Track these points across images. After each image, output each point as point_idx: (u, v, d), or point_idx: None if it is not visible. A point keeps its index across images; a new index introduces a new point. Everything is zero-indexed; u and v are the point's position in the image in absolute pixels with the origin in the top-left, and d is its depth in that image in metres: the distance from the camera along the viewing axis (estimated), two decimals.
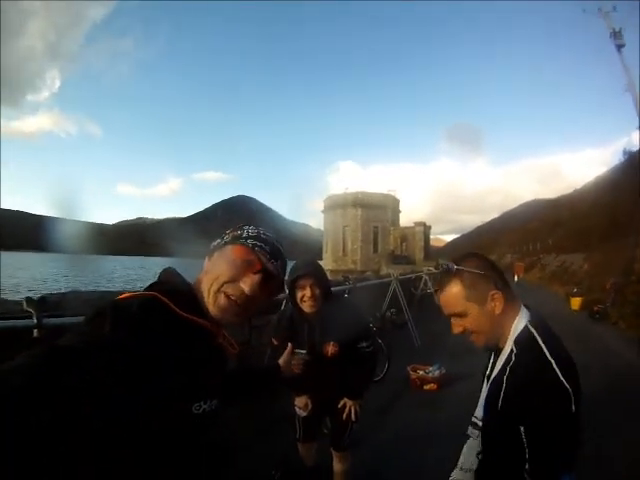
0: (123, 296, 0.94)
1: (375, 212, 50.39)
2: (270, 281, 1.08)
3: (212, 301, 1.02)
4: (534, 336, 1.37)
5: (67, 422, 0.68)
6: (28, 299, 2.41)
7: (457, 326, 1.47)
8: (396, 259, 46.22)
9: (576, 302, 15.17)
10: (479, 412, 1.60)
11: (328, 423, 2.95)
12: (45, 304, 2.42)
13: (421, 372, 6.16)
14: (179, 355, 0.90)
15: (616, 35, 18.67)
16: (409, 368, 6.27)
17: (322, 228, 56.54)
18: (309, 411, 2.59)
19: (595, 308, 12.86)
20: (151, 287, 1.01)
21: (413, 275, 14.72)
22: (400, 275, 10.86)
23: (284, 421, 3.15)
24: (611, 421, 4.41)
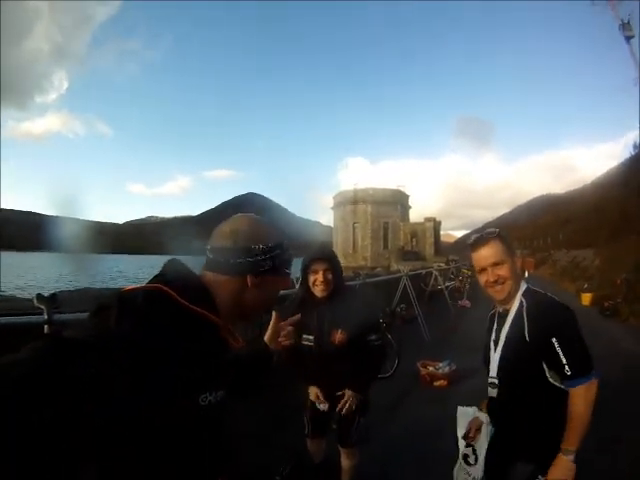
0: (128, 288, 0.94)
1: (385, 208, 50.29)
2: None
3: (245, 317, 1.15)
4: (537, 289, 2.02)
5: (70, 415, 0.68)
6: (39, 296, 2.43)
7: (493, 275, 1.95)
8: (406, 255, 46.05)
9: (587, 298, 14.97)
10: (494, 372, 2.06)
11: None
12: (55, 301, 2.43)
13: (431, 368, 6.12)
14: (184, 347, 0.90)
15: (625, 27, 18.36)
16: (419, 364, 6.24)
17: (332, 225, 56.47)
18: (324, 402, 2.55)
19: (606, 304, 12.67)
20: (156, 279, 1.01)
21: (423, 271, 14.65)
22: (410, 271, 10.83)
23: (293, 416, 3.14)
24: (623, 415, 4.39)
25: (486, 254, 1.98)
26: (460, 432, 2.42)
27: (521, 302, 1.95)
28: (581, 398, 1.76)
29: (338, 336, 2.50)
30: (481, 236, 2.01)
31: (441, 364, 6.17)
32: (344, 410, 2.56)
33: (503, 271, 1.94)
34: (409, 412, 4.95)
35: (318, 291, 2.47)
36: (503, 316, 2.04)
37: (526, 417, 1.93)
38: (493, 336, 2.10)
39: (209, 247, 1.09)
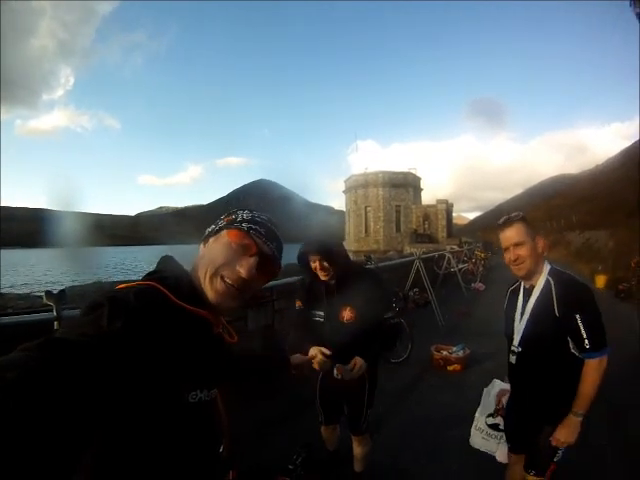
0: (120, 286, 0.94)
1: (397, 191, 50.14)
2: (266, 263, 1.08)
3: (209, 286, 1.02)
4: (560, 269, 2.25)
5: (64, 415, 0.66)
6: (47, 292, 2.44)
7: (514, 254, 2.21)
8: (419, 238, 45.96)
9: (601, 280, 14.83)
10: (517, 342, 2.31)
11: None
12: (65, 297, 2.45)
13: (445, 352, 6.08)
14: (176, 345, 0.90)
15: (637, 3, 17.72)
16: (432, 348, 6.20)
17: (344, 209, 56.47)
18: (325, 363, 2.48)
19: (620, 287, 12.51)
20: (149, 276, 1.00)
21: (436, 254, 14.54)
22: (423, 254, 10.77)
23: (308, 404, 3.15)
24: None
25: (509, 235, 2.23)
26: (485, 410, 2.89)
27: (547, 280, 2.20)
28: (594, 370, 2.04)
29: (347, 313, 2.52)
30: (507, 218, 2.25)
31: (455, 348, 6.12)
32: (348, 376, 2.44)
33: (523, 251, 2.20)
34: (423, 397, 4.93)
35: (321, 276, 2.50)
36: (529, 292, 2.29)
37: (543, 382, 2.22)
38: (520, 309, 2.34)
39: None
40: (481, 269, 18.12)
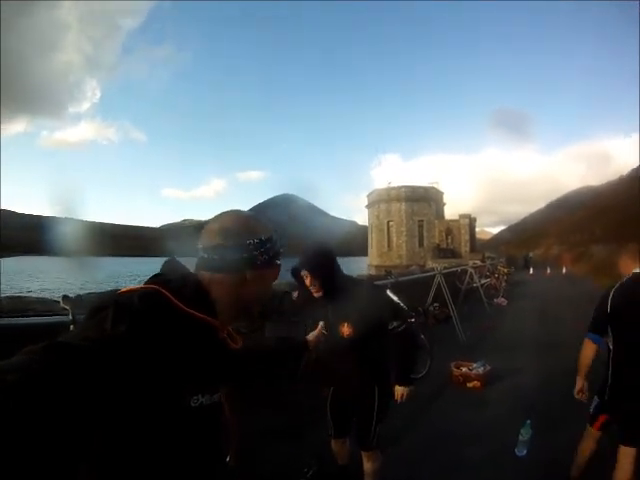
0: (124, 290, 0.94)
1: (419, 205, 49.93)
2: None
3: (246, 314, 1.15)
4: None
5: (62, 419, 0.66)
6: (65, 297, 2.49)
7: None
8: (441, 253, 45.57)
9: None
10: None
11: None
12: (81, 302, 2.49)
13: (464, 369, 5.95)
14: (179, 348, 0.90)
15: None
16: (452, 364, 6.08)
17: (367, 224, 56.37)
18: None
19: None
20: (153, 279, 1.00)
21: (458, 269, 14.34)
22: (445, 269, 10.63)
23: (319, 417, 3.10)
24: None
25: None
26: None
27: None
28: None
29: (345, 329, 2.50)
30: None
31: (475, 365, 5.99)
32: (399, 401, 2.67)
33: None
34: (440, 413, 4.83)
35: (313, 292, 2.50)
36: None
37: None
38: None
39: (201, 246, 1.07)
40: (504, 284, 17.85)
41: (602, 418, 2.88)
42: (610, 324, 2.77)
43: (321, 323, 2.06)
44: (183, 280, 1.01)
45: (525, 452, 3.61)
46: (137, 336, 0.83)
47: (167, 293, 0.93)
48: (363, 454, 2.79)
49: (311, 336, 1.91)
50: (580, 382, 2.92)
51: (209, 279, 1.04)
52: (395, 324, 2.54)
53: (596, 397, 2.92)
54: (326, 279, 2.49)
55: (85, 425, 0.70)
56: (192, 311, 0.95)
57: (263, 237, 1.09)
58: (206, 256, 1.06)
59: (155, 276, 1.02)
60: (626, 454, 2.69)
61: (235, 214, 1.13)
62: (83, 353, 0.74)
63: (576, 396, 2.93)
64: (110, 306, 0.85)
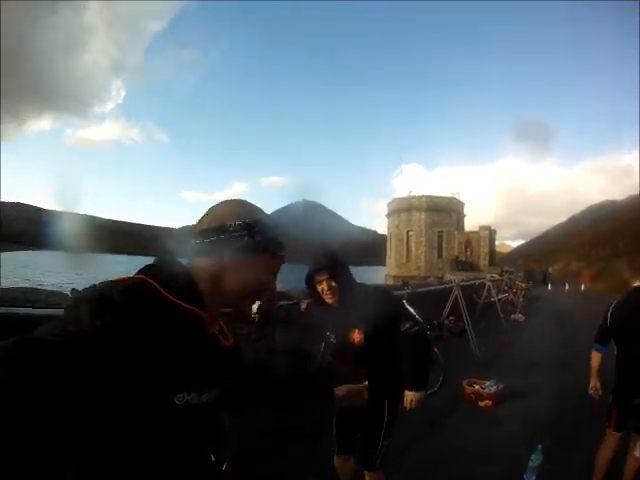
0: (116, 280, 0.90)
1: (440, 216, 49.65)
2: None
3: (242, 304, 1.05)
4: None
5: (41, 418, 0.64)
6: (73, 290, 2.52)
7: None
8: (460, 265, 45.18)
9: None
10: None
11: None
12: None
13: (477, 387, 5.80)
14: (162, 342, 0.85)
15: None
16: (465, 382, 5.93)
17: (386, 233, 56.19)
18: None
19: None
20: (143, 270, 0.96)
21: (476, 282, 14.16)
22: (462, 281, 10.50)
23: (325, 432, 3.02)
24: None
25: None
26: None
27: None
28: None
29: (356, 336, 2.45)
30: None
31: (488, 383, 5.83)
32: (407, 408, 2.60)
33: None
34: (449, 432, 4.71)
35: (327, 299, 2.45)
36: None
37: None
38: None
39: (192, 234, 1.04)
40: (521, 299, 17.56)
41: (614, 412, 3.16)
42: (611, 335, 3.23)
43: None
44: (173, 270, 0.97)
45: (534, 479, 3.52)
46: (117, 329, 0.78)
47: (155, 283, 0.90)
48: (366, 474, 2.66)
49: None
50: (592, 382, 3.37)
51: (194, 265, 1.01)
52: (407, 325, 2.48)
53: (611, 395, 3.22)
54: (343, 284, 2.46)
55: (59, 424, 0.66)
56: (179, 302, 0.90)
57: (247, 220, 1.03)
58: (194, 242, 1.02)
59: (146, 267, 0.98)
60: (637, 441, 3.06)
61: (230, 200, 1.09)
62: (54, 349, 0.71)
63: (590, 392, 3.36)
64: (89, 299, 0.81)
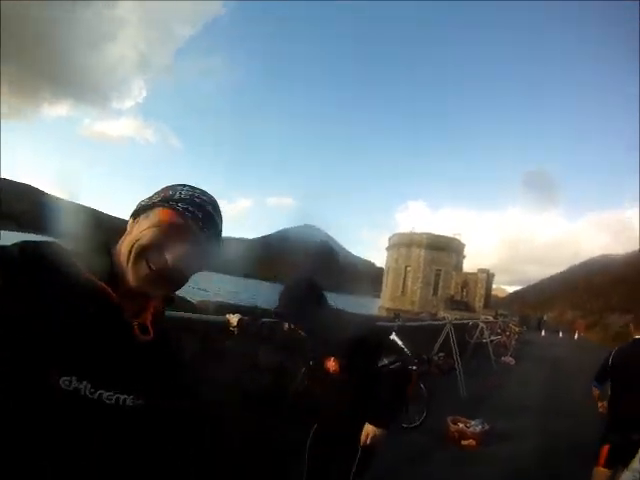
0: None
1: (439, 255, 49.89)
2: (199, 252, 0.90)
3: (131, 267, 0.84)
4: None
5: None
6: None
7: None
8: (455, 304, 45.07)
9: None
10: None
11: None
12: None
13: (461, 425, 5.63)
14: (55, 312, 0.74)
15: None
16: (449, 419, 5.75)
17: (384, 266, 56.29)
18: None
19: None
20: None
21: (470, 322, 14.03)
22: (456, 319, 10.41)
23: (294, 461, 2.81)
24: None
25: None
26: None
27: None
28: None
29: (331, 364, 2.27)
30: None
31: (473, 422, 5.68)
32: (364, 447, 2.22)
33: None
34: (427, 471, 4.50)
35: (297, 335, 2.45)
36: None
37: None
38: None
39: None
40: (514, 343, 17.48)
41: (605, 448, 3.34)
42: (610, 377, 3.59)
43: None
44: (93, 243, 0.88)
45: None
46: (6, 285, 0.71)
47: (65, 248, 0.82)
48: None
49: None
50: (599, 404, 3.80)
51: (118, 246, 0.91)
52: (387, 361, 2.30)
53: (602, 433, 3.46)
54: (305, 322, 2.37)
55: None
56: (88, 274, 0.81)
57: (171, 192, 0.94)
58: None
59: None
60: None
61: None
62: None
63: (599, 410, 3.77)
64: None
